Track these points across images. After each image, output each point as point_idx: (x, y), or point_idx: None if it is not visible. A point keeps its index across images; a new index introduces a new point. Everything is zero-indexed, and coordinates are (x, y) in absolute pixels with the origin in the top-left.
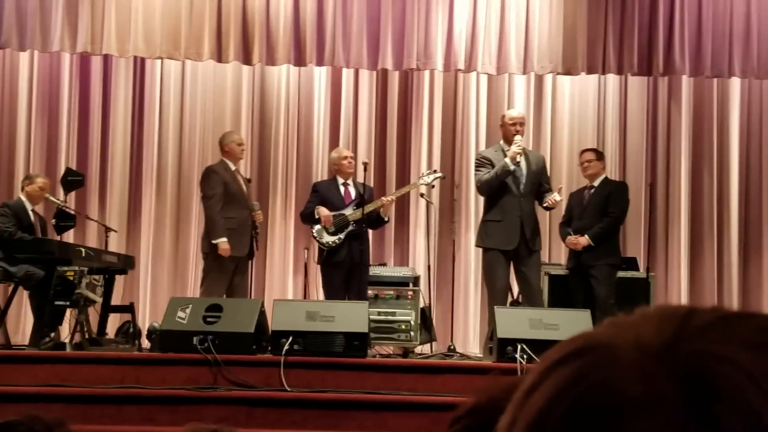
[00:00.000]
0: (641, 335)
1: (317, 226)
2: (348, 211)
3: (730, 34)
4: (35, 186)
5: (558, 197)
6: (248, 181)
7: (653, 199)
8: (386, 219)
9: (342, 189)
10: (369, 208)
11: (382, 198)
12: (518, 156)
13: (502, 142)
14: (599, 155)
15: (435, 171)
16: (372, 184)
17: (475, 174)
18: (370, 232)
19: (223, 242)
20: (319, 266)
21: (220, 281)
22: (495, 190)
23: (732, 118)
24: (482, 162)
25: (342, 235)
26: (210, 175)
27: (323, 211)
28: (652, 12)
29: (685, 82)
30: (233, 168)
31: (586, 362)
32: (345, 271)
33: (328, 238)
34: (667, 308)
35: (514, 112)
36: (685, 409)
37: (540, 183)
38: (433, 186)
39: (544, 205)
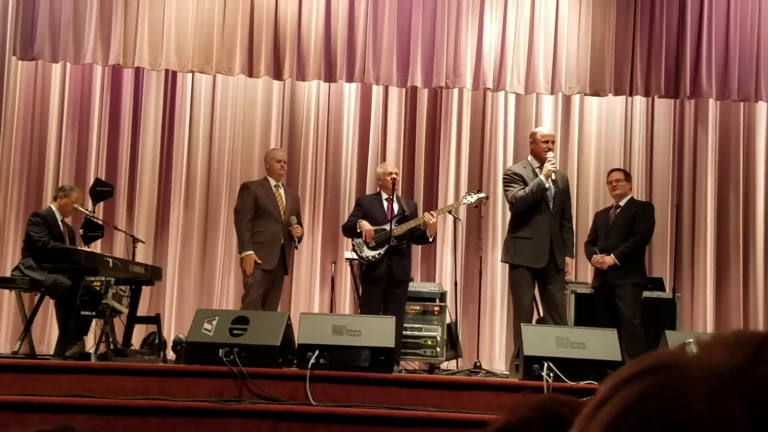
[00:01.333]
0: (714, 358)
1: (358, 240)
2: (389, 227)
3: (757, 59)
4: (69, 200)
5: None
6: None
7: (679, 220)
8: (430, 239)
9: (385, 204)
10: (410, 224)
11: (424, 214)
12: (552, 173)
13: (530, 158)
14: (627, 175)
15: (479, 191)
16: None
17: (507, 190)
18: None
19: (247, 255)
20: (355, 279)
21: (255, 294)
22: (528, 207)
23: (758, 141)
24: (513, 178)
25: (382, 251)
26: (242, 191)
27: (365, 225)
28: (680, 35)
29: (712, 105)
30: (274, 184)
31: (656, 380)
32: (383, 286)
33: (367, 253)
34: (743, 333)
35: (545, 130)
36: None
37: (565, 202)
38: (476, 206)
39: None
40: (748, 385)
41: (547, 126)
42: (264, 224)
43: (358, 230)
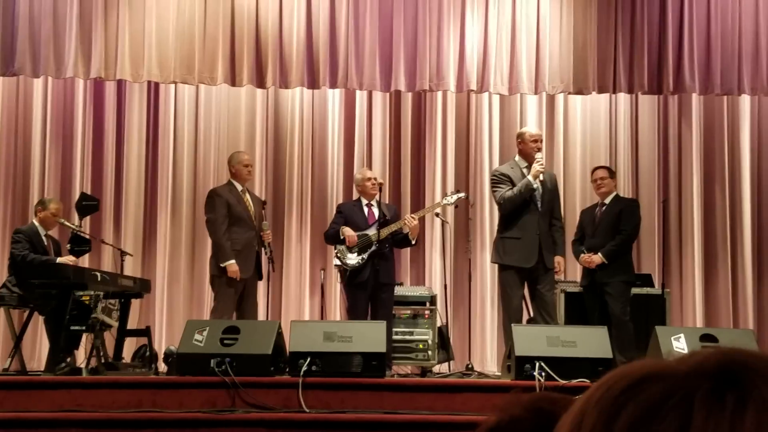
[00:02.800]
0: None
1: (341, 247)
2: (371, 232)
3: (739, 52)
4: (48, 212)
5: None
6: (264, 202)
7: (666, 215)
8: (413, 242)
9: (366, 210)
10: (392, 228)
11: (405, 218)
12: (540, 173)
13: (517, 158)
14: (611, 173)
15: (458, 191)
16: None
17: (495, 191)
18: (395, 251)
19: (231, 264)
20: (341, 286)
21: (230, 304)
22: (517, 207)
23: (743, 134)
24: (501, 179)
25: (365, 256)
26: (213, 198)
27: (348, 231)
28: (662, 31)
29: (695, 100)
30: (240, 189)
31: (642, 364)
32: (369, 291)
33: (351, 259)
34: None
35: (533, 129)
36: (717, 377)
37: (554, 201)
38: (456, 206)
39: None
40: (720, 353)
41: (533, 126)
42: (239, 231)
43: (341, 237)
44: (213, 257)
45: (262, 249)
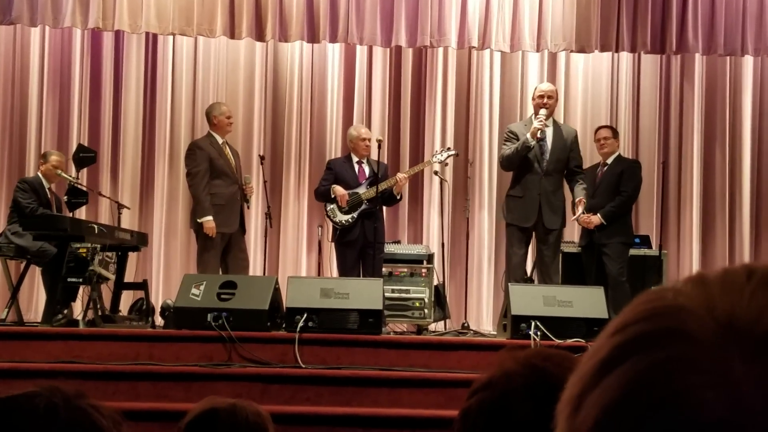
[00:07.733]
0: (718, 308)
1: (331, 205)
2: (361, 190)
3: (743, 13)
4: (49, 165)
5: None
6: (262, 157)
7: (666, 176)
8: (399, 197)
9: (356, 167)
10: (382, 186)
11: (397, 175)
12: (539, 132)
13: (532, 115)
14: (615, 133)
15: (449, 148)
16: (386, 162)
17: (502, 149)
18: (385, 210)
19: (208, 221)
20: (333, 244)
21: (214, 258)
22: (518, 165)
23: (744, 96)
24: (509, 137)
25: (355, 214)
26: (195, 151)
27: (339, 190)
28: None
29: (698, 61)
30: (221, 141)
31: (658, 357)
32: (358, 249)
33: (341, 217)
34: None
35: (543, 86)
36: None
37: (567, 159)
38: (446, 164)
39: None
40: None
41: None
42: (222, 185)
43: (332, 195)
44: (192, 212)
45: (245, 203)
